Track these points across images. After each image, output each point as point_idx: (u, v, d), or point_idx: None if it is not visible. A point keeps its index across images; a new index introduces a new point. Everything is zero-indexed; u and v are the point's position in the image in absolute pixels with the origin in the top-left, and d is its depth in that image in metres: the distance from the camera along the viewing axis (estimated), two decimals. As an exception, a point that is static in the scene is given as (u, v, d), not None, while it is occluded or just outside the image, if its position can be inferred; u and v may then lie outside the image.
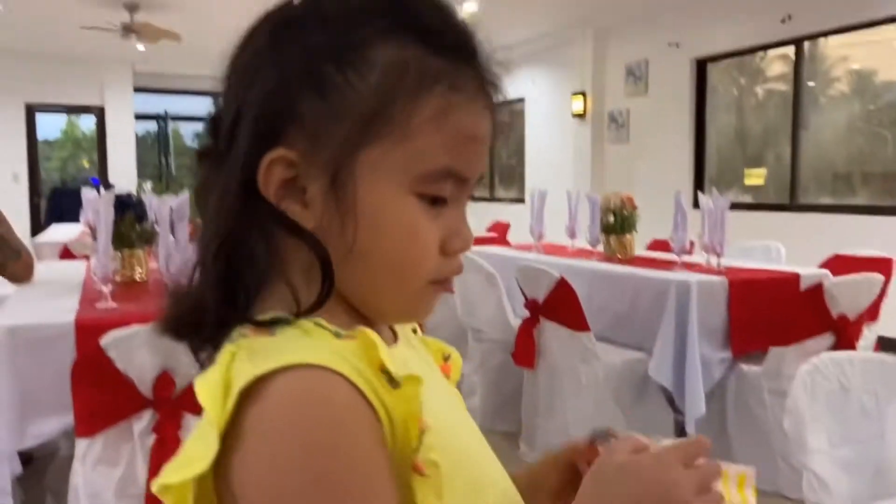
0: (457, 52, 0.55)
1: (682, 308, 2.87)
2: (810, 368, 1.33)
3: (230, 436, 0.46)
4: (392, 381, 0.49)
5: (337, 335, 0.51)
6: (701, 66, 6.73)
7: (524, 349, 2.98)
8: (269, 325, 0.52)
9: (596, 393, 2.87)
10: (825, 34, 5.58)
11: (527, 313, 3.12)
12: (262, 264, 0.54)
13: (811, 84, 5.87)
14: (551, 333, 2.99)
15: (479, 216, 9.16)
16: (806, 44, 5.77)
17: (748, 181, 6.57)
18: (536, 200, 4.47)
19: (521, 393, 3.16)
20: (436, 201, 0.55)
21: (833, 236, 5.34)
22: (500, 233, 5.78)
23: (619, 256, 3.72)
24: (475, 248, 4.34)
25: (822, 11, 5.42)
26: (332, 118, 0.52)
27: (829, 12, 5.38)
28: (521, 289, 3.14)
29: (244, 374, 0.46)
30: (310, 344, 0.50)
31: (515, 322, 3.22)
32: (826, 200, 5.72)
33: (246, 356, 0.48)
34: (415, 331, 0.71)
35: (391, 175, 0.53)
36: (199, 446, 0.46)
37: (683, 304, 2.87)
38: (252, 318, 0.53)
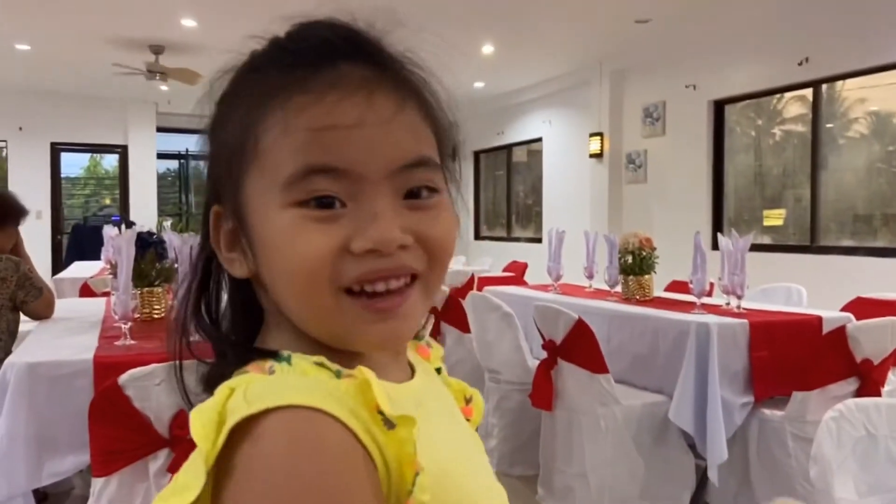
0: (303, 62, 0.55)
1: (702, 350, 2.83)
2: (836, 415, 1.30)
3: (223, 471, 0.46)
4: (387, 422, 0.48)
5: (338, 374, 0.51)
6: (718, 108, 6.75)
7: (542, 391, 2.94)
8: (271, 361, 0.53)
9: (615, 436, 2.81)
10: (842, 77, 5.59)
11: (544, 354, 3.09)
12: (247, 310, 0.59)
13: (829, 126, 5.87)
14: (569, 375, 2.95)
15: (496, 256, 9.23)
16: (823, 86, 5.78)
17: (767, 222, 6.53)
18: (554, 240, 4.47)
19: (539, 436, 3.11)
20: (324, 204, 0.52)
21: (855, 278, 5.28)
22: (517, 272, 5.77)
23: (638, 297, 3.69)
24: (491, 289, 4.35)
25: (838, 54, 5.45)
26: (221, 165, 0.57)
27: (845, 55, 5.40)
28: (538, 329, 3.12)
29: (238, 411, 0.47)
30: (305, 384, 0.50)
31: (533, 363, 3.19)
32: (847, 242, 5.66)
33: (242, 394, 0.48)
34: (439, 370, 0.70)
35: (265, 197, 0.53)
36: (189, 477, 0.47)
37: (703, 346, 2.83)
38: (254, 348, 0.56)
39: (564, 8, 6.02)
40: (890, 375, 2.92)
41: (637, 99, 7.65)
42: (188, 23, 6.47)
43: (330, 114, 0.52)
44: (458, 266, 6.88)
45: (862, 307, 3.41)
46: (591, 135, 8.06)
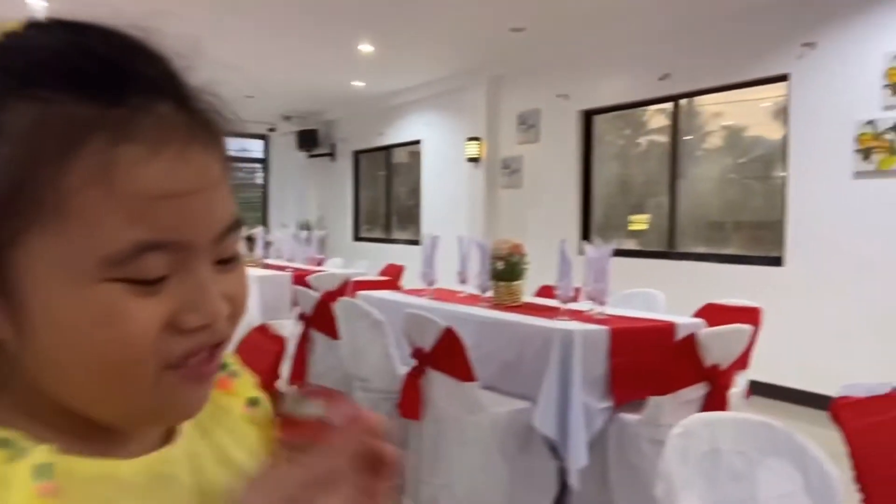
0: (109, 92, 0.42)
1: (565, 357, 2.89)
2: (681, 431, 1.33)
3: None
4: None
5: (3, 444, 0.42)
6: (588, 118, 7.01)
7: (410, 400, 2.91)
8: None
9: (481, 445, 2.82)
10: (699, 93, 5.95)
11: (414, 362, 3.05)
12: None
13: (688, 138, 6.23)
14: (438, 384, 2.94)
15: (375, 257, 9.14)
16: (682, 100, 6.13)
17: (632, 227, 6.85)
18: (428, 245, 4.45)
19: (407, 445, 3.07)
20: (148, 280, 0.44)
21: (708, 283, 5.63)
22: (393, 276, 5.72)
23: (508, 303, 3.74)
24: (364, 293, 4.27)
25: (697, 72, 5.79)
26: None
27: (703, 73, 5.75)
28: (407, 338, 3.08)
29: None
30: None
31: (402, 371, 3.15)
32: (701, 248, 6.03)
33: None
34: (256, 401, 0.60)
35: (64, 267, 0.42)
36: None
37: (567, 353, 2.90)
38: None
39: (443, 12, 6.04)
40: (736, 379, 3.12)
41: (513, 105, 7.81)
42: None
43: (168, 177, 0.43)
44: (335, 269, 6.74)
45: (712, 313, 3.62)
46: (469, 139, 8.16)
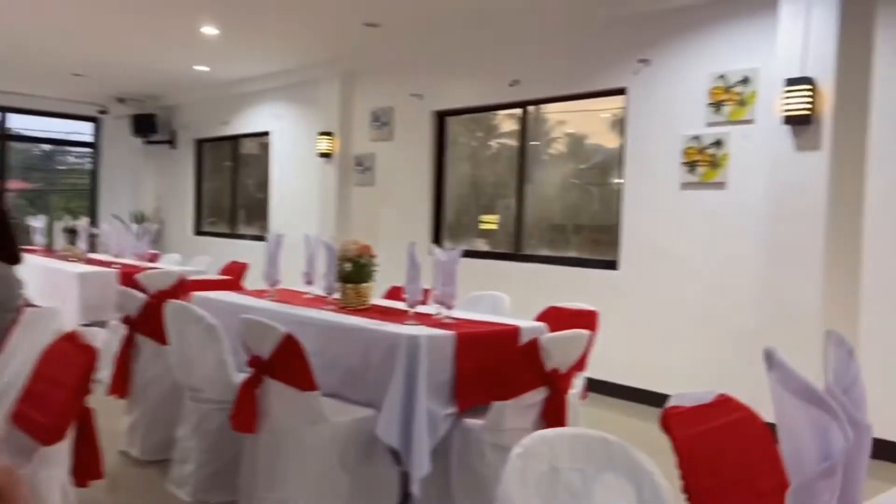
0: None
1: (411, 363, 2.83)
2: (521, 451, 1.29)
3: None
4: None
5: None
6: (441, 119, 7.04)
7: (244, 412, 2.72)
8: None
9: (321, 457, 2.70)
10: (546, 101, 6.15)
11: (251, 371, 2.86)
12: None
13: (535, 143, 6.41)
14: (276, 393, 2.77)
15: (219, 253, 8.66)
16: (531, 107, 6.31)
17: (483, 227, 6.97)
18: (272, 244, 4.24)
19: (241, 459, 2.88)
20: None
21: (550, 284, 5.83)
22: (235, 274, 5.41)
23: (355, 306, 3.63)
24: (201, 295, 3.98)
25: (544, 80, 5.97)
26: None
27: (550, 82, 5.94)
28: (243, 345, 2.88)
29: None
30: None
31: (238, 379, 2.95)
32: (545, 251, 6.24)
33: None
34: None
35: None
36: None
37: (413, 359, 2.84)
38: None
39: (294, 1, 5.80)
40: (574, 380, 3.21)
41: (367, 102, 7.69)
42: None
43: None
44: (170, 265, 6.29)
45: (554, 316, 3.72)
46: (321, 133, 7.94)
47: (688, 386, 4.96)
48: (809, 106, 4.25)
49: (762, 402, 4.21)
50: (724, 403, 1.71)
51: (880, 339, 4.18)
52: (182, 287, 4.68)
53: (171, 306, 3.24)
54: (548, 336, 2.76)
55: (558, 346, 2.75)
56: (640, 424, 4.84)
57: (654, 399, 5.18)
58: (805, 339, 4.31)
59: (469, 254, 3.61)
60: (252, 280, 5.70)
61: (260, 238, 8.84)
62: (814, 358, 4.27)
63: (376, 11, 6.04)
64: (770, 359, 0.76)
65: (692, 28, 5.03)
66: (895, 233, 4.12)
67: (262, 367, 2.79)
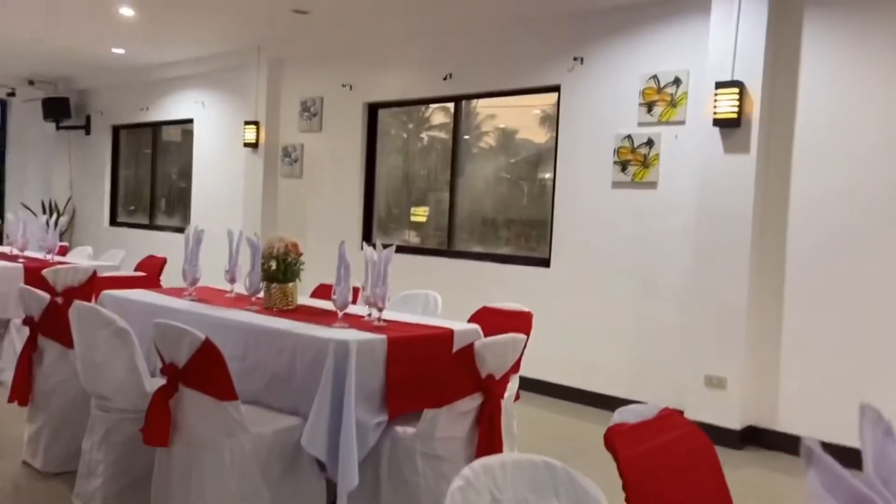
0: None
1: (340, 369, 2.69)
2: (462, 484, 1.18)
3: None
4: None
5: None
6: (373, 110, 6.87)
7: (156, 424, 2.52)
8: None
9: (241, 470, 2.53)
10: (480, 96, 6.07)
11: (164, 379, 2.66)
12: None
13: (466, 137, 6.33)
14: (192, 403, 2.58)
15: (136, 246, 8.24)
16: (463, 101, 6.21)
17: (414, 219, 6.85)
18: (191, 239, 3.99)
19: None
20: None
21: (483, 281, 5.77)
22: (150, 271, 5.11)
23: (280, 307, 3.45)
24: (112, 293, 3.71)
25: (477, 75, 5.89)
26: None
27: (483, 77, 5.86)
28: (157, 351, 2.67)
29: None
30: None
31: (152, 387, 2.74)
32: (477, 248, 6.17)
33: None
34: None
35: None
36: None
37: (342, 365, 2.69)
38: None
39: (218, -18, 5.52)
40: (509, 384, 3.14)
41: (295, 91, 7.44)
42: None
43: None
44: (83, 259, 5.91)
45: (487, 317, 3.64)
46: (247, 123, 7.63)
47: (618, 383, 5.01)
48: (738, 109, 4.31)
49: (687, 395, 4.24)
50: (667, 418, 1.65)
51: (803, 337, 4.29)
52: (92, 284, 4.38)
53: (77, 308, 2.98)
54: (483, 342, 2.66)
55: (494, 352, 2.66)
56: (573, 423, 4.84)
57: (586, 397, 5.19)
58: (731, 336, 4.39)
59: (399, 249, 3.50)
60: (172, 276, 5.40)
61: (181, 230, 8.45)
62: (739, 355, 4.38)
63: (306, -3, 5.82)
64: (809, 455, 0.65)
65: (626, 28, 5.04)
66: (818, 235, 4.23)
67: (177, 376, 2.59)
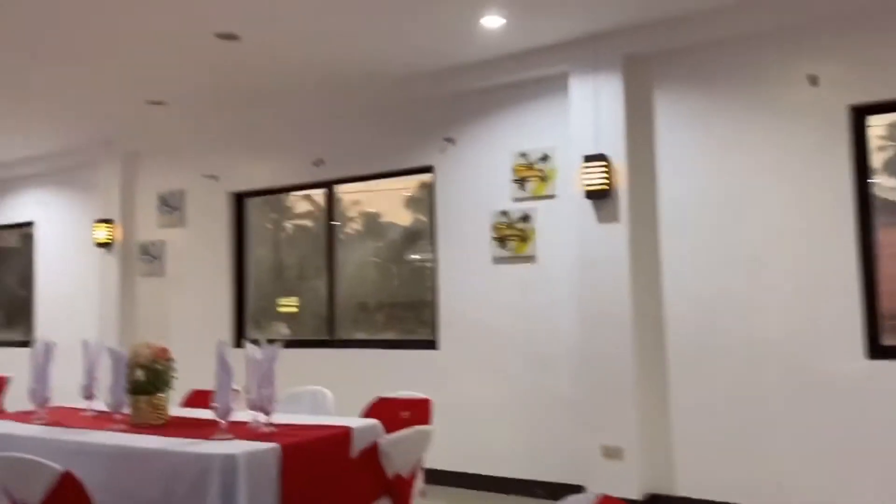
0: None
1: (228, 489, 2.38)
2: None
3: None
4: None
5: None
6: (239, 200, 6.59)
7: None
8: None
9: None
10: (352, 180, 5.98)
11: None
12: None
13: (335, 223, 6.17)
14: (50, 551, 2.16)
15: (-34, 367, 7.25)
16: (335, 186, 6.09)
17: (282, 310, 6.54)
18: (40, 353, 3.53)
19: None
20: None
21: (369, 369, 5.52)
22: (-11, 394, 4.45)
23: (150, 422, 3.07)
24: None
25: (349, 160, 5.83)
26: None
27: (354, 161, 5.80)
28: (3, 490, 2.25)
29: None
30: None
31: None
32: (360, 334, 5.94)
33: None
34: None
35: None
36: None
37: (230, 483, 2.39)
38: None
39: (61, 76, 5.15)
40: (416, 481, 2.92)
41: (153, 185, 7.02)
42: None
43: None
44: None
45: (384, 409, 3.43)
46: (99, 221, 7.08)
47: (517, 463, 4.88)
48: (606, 180, 4.49)
49: (586, 467, 4.12)
50: (606, 505, 1.54)
51: (690, 399, 4.38)
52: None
53: None
54: (388, 439, 2.46)
55: (401, 449, 2.47)
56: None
57: (490, 483, 5.00)
58: (623, 404, 4.42)
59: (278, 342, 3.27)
60: (15, 398, 4.73)
61: (24, 344, 7.57)
62: (632, 423, 4.38)
63: (160, 88, 5.56)
64: None
65: (493, 108, 5.18)
66: (692, 297, 4.40)
67: (30, 520, 2.17)
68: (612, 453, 4.42)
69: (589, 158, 4.53)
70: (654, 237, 4.54)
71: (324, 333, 6.05)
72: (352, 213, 6.35)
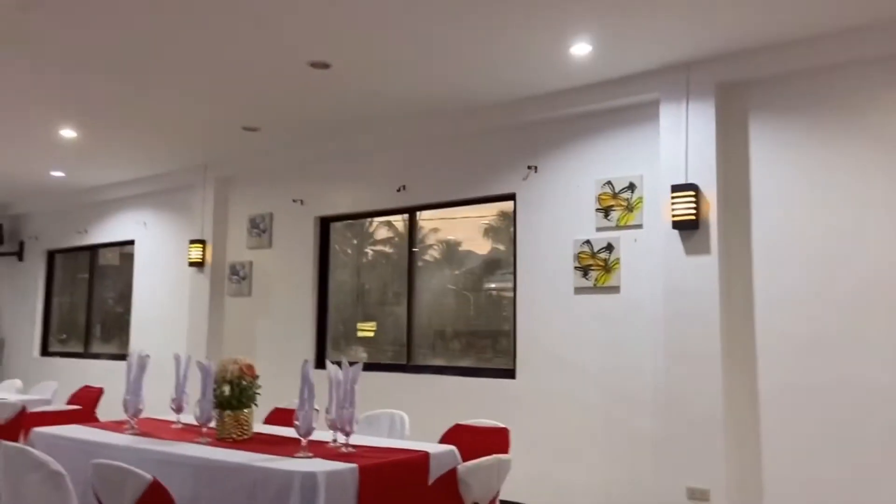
0: None
1: (307, 506, 2.39)
2: None
3: None
4: None
5: None
6: (324, 224, 6.76)
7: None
8: None
9: None
10: (435, 206, 6.02)
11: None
12: None
13: (415, 250, 6.22)
14: (137, 557, 2.23)
15: (70, 377, 7.70)
16: (417, 213, 6.15)
17: (360, 334, 6.60)
18: (134, 365, 3.68)
19: None
20: None
21: (446, 396, 5.50)
22: (86, 404, 4.69)
23: (235, 437, 3.14)
24: (44, 430, 3.34)
25: (430, 187, 5.88)
26: None
27: (436, 188, 5.85)
28: (96, 496, 2.33)
29: None
30: None
31: (88, 542, 2.37)
32: (437, 360, 5.93)
33: None
34: None
35: None
36: None
37: (309, 500, 2.40)
38: None
39: (164, 103, 5.44)
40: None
41: (243, 208, 7.30)
42: None
43: None
44: (10, 394, 5.42)
45: (461, 435, 3.39)
46: (192, 242, 7.40)
47: (594, 501, 4.71)
48: (695, 211, 4.35)
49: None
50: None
51: (782, 441, 4.14)
52: (22, 421, 3.96)
53: (3, 449, 2.62)
54: (466, 466, 2.42)
55: (479, 477, 2.42)
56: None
57: (562, 518, 4.86)
58: (709, 443, 4.22)
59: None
60: (109, 408, 4.96)
61: (120, 357, 7.95)
62: (719, 464, 4.18)
63: (255, 116, 5.79)
64: None
65: (578, 136, 5.13)
66: (786, 334, 4.18)
67: (120, 526, 2.24)
68: (697, 495, 4.21)
69: (677, 188, 4.41)
70: (748, 271, 4.35)
71: (401, 358, 6.07)
72: (431, 240, 6.40)
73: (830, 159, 4.14)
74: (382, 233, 6.69)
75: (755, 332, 4.29)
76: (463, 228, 6.14)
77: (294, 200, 6.79)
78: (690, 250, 4.41)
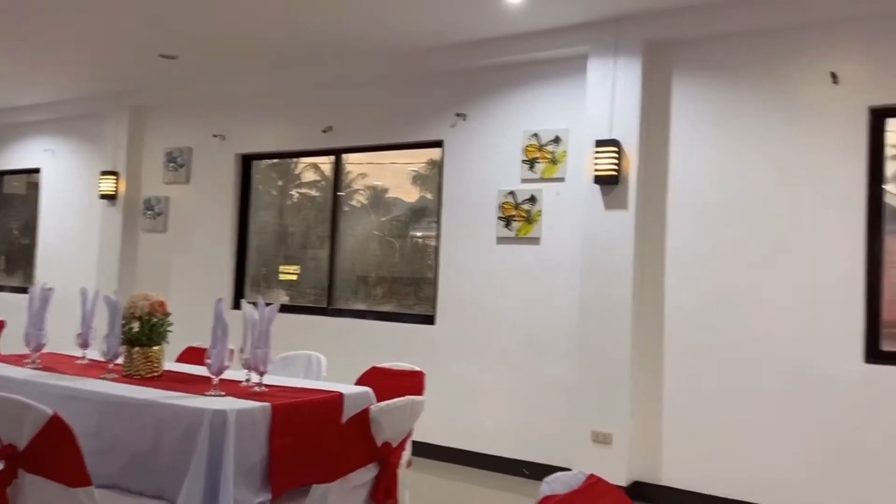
0: None
1: (216, 443, 2.37)
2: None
3: None
4: None
5: None
6: (246, 162, 6.56)
7: (-12, 521, 2.09)
8: None
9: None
10: (362, 150, 5.93)
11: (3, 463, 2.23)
12: None
13: (340, 194, 6.14)
14: (35, 491, 2.17)
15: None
16: (343, 155, 6.05)
17: (283, 277, 6.52)
18: (37, 298, 3.52)
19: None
20: None
21: (366, 340, 5.52)
22: (-16, 336, 4.45)
23: (143, 374, 3.07)
24: (-65, 364, 3.17)
25: (358, 129, 5.77)
26: None
27: (364, 131, 5.75)
28: (-8, 431, 2.24)
29: None
30: None
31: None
32: (358, 304, 5.93)
33: None
34: None
35: None
36: None
37: (218, 438, 2.38)
38: None
39: (73, 23, 5.09)
40: (404, 452, 2.92)
41: (160, 140, 6.98)
42: None
43: None
44: None
45: (377, 377, 3.42)
46: (104, 173, 7.05)
47: (507, 443, 4.89)
48: (616, 167, 4.45)
49: (574, 451, 4.11)
50: (594, 486, 1.52)
51: (683, 390, 4.38)
52: None
53: None
54: (379, 407, 2.44)
55: (391, 418, 2.45)
56: (466, 488, 4.65)
57: (474, 459, 5.02)
58: (616, 391, 4.41)
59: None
60: (11, 341, 4.74)
61: (24, 290, 7.58)
62: (624, 410, 4.38)
63: (173, 42, 5.50)
64: None
65: (507, 86, 5.12)
66: (695, 288, 4.38)
67: (17, 459, 2.17)
68: (601, 439, 4.42)
69: (601, 143, 4.48)
70: (662, 227, 4.50)
71: (322, 302, 6.04)
72: (359, 185, 6.32)
73: (745, 122, 4.29)
74: (309, 175, 6.56)
75: (664, 285, 4.47)
76: (391, 175, 6.09)
77: (215, 136, 6.54)
78: (610, 205, 4.52)
